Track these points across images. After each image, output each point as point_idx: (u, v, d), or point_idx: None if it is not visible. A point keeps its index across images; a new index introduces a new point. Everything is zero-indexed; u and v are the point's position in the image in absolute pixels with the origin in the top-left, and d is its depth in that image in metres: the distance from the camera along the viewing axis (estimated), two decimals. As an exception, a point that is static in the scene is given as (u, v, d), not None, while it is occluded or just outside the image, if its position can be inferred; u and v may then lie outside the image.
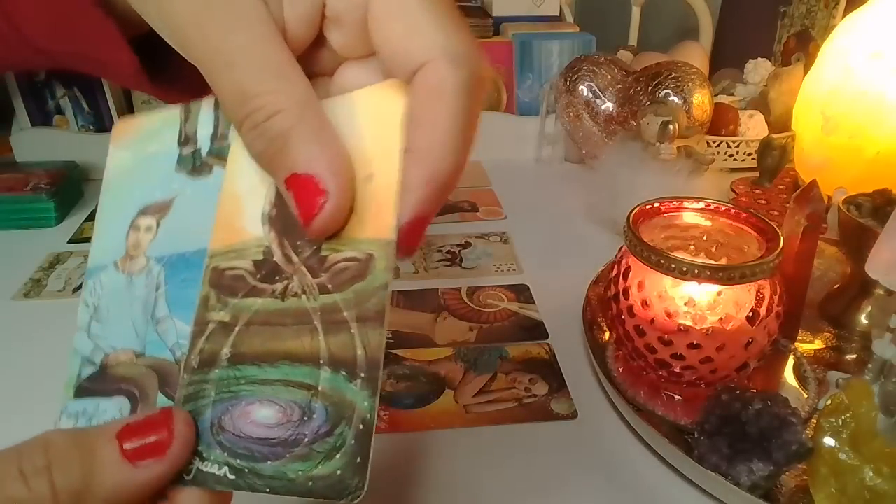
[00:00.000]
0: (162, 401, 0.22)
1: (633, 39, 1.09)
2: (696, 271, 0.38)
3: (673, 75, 0.72)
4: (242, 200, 0.23)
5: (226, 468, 0.20)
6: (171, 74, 0.27)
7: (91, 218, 0.71)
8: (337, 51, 0.23)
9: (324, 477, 0.19)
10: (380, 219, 0.20)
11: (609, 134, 0.77)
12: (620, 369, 0.44)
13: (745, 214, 0.43)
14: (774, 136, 0.71)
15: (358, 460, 0.19)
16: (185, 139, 0.24)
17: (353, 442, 0.19)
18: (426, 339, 0.51)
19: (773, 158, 0.70)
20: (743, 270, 0.37)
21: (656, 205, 0.44)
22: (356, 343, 0.20)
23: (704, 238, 0.44)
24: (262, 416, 0.20)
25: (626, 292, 0.41)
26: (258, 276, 0.22)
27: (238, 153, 0.23)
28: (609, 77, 0.77)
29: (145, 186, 0.25)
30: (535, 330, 0.52)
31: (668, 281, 0.39)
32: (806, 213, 0.43)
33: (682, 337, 0.39)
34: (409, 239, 0.20)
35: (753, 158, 0.74)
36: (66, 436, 0.20)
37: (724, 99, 0.82)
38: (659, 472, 0.39)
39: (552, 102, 0.81)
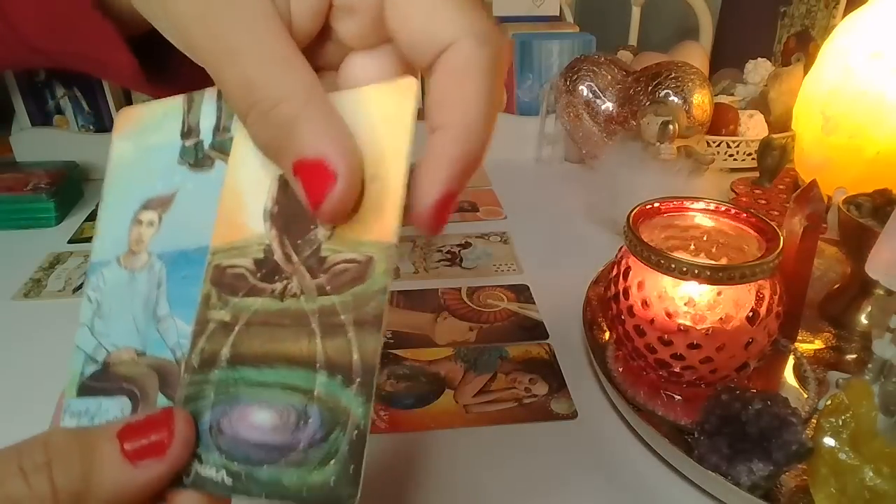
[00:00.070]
0: (162, 401, 0.22)
1: (633, 39, 1.09)
2: (696, 271, 0.38)
3: (673, 75, 0.72)
4: (244, 196, 0.22)
5: (223, 472, 0.20)
6: (169, 74, 0.27)
7: (91, 218, 0.71)
8: (345, 41, 0.23)
9: (317, 486, 0.19)
10: (382, 221, 0.20)
11: (609, 134, 0.77)
12: (620, 369, 0.44)
13: (745, 214, 0.43)
14: (774, 136, 0.71)
15: (351, 469, 0.19)
16: (188, 130, 0.24)
17: (346, 449, 0.19)
18: (426, 339, 0.51)
19: (773, 158, 0.70)
20: (743, 270, 0.37)
21: (656, 205, 0.44)
22: (352, 347, 0.19)
23: (704, 238, 0.44)
24: (259, 419, 0.20)
25: (626, 292, 0.41)
26: (258, 275, 0.22)
27: (240, 148, 0.23)
28: (609, 77, 0.77)
29: (148, 179, 0.24)
30: (535, 330, 0.52)
31: (668, 281, 0.39)
32: (806, 213, 0.43)
33: (682, 337, 0.39)
34: (439, 216, 0.20)
35: (753, 158, 0.74)
36: (66, 434, 0.20)
37: (724, 99, 0.82)
38: (659, 472, 0.39)
39: (552, 102, 0.81)
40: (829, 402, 0.35)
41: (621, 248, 0.44)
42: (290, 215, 0.21)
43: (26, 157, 0.78)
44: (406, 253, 0.63)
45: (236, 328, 0.21)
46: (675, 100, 0.71)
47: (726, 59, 1.00)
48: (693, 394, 0.42)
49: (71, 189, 0.74)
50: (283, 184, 0.22)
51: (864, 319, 0.49)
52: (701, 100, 0.72)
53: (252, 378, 0.21)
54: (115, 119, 0.26)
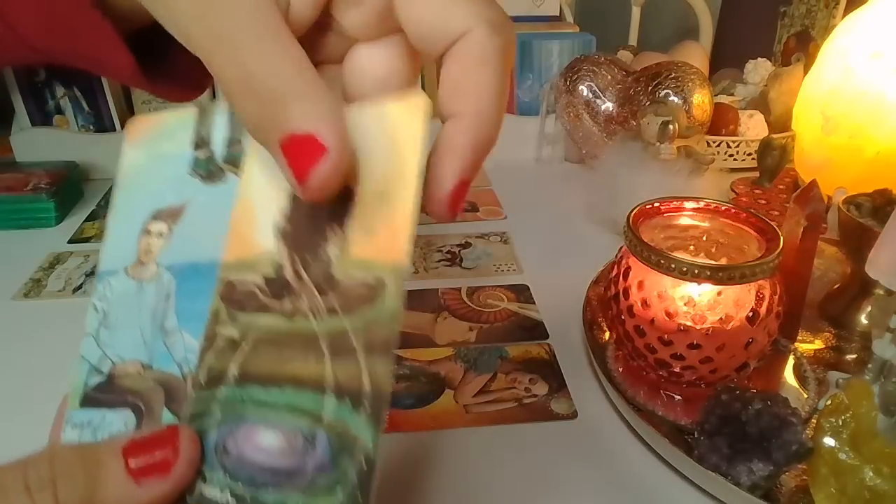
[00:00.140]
0: (168, 417, 0.22)
1: (633, 39, 1.09)
2: (696, 271, 0.38)
3: (673, 75, 0.72)
4: (256, 211, 0.22)
5: (228, 492, 0.20)
6: (169, 70, 0.27)
7: (91, 218, 0.71)
8: (350, 32, 0.23)
9: None
10: (394, 242, 0.20)
11: (609, 134, 0.77)
12: (620, 369, 0.44)
13: (745, 214, 0.43)
14: (774, 136, 0.71)
15: (359, 497, 0.18)
16: (200, 141, 0.24)
17: (354, 478, 0.19)
18: (426, 339, 0.51)
19: (773, 158, 0.70)
20: (743, 270, 0.37)
21: (656, 205, 0.44)
22: (363, 373, 0.19)
23: (704, 238, 0.44)
24: (265, 441, 0.20)
25: (626, 292, 0.41)
26: (268, 293, 0.21)
27: (253, 161, 0.22)
28: (609, 77, 0.77)
29: (158, 188, 0.24)
30: (535, 330, 0.52)
31: (668, 281, 0.39)
32: (806, 213, 0.43)
33: (682, 337, 0.39)
34: (456, 203, 0.21)
35: (753, 158, 0.74)
36: (71, 450, 0.20)
37: (724, 99, 0.82)
38: (659, 472, 0.39)
39: (552, 102, 0.81)
40: (829, 402, 0.35)
41: (621, 248, 0.44)
42: (301, 233, 0.21)
43: (26, 157, 0.78)
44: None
45: (245, 346, 0.21)
46: (675, 100, 0.71)
47: (726, 59, 1.00)
48: (693, 394, 0.42)
49: (71, 189, 0.74)
50: (295, 200, 0.21)
51: (864, 319, 0.49)
52: (701, 100, 0.72)
53: (259, 398, 0.20)
54: (127, 126, 0.25)
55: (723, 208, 0.43)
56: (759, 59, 0.85)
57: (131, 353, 0.23)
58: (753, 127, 0.78)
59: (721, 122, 0.77)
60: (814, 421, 0.38)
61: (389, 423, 0.18)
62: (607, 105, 0.77)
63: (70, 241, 0.66)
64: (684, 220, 0.44)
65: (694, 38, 1.04)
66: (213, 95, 0.82)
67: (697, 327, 0.39)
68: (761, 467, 0.34)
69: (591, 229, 0.67)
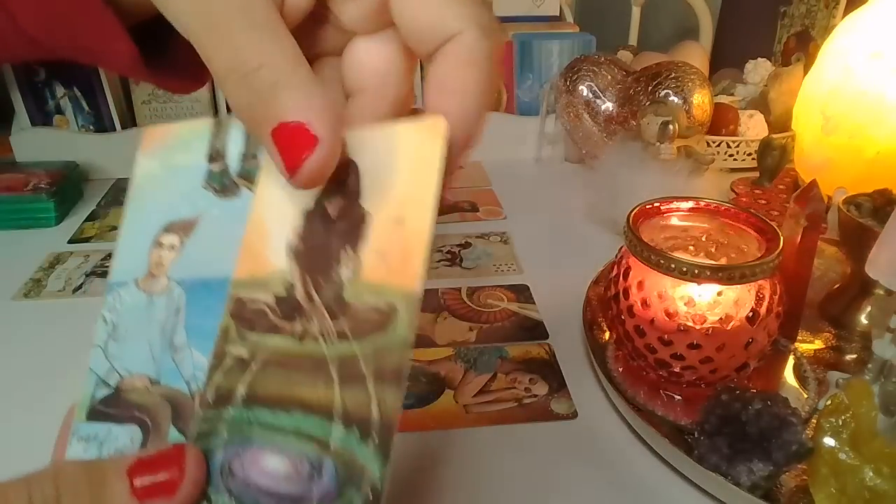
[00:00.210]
0: (174, 434, 0.22)
1: (633, 39, 1.09)
2: (696, 271, 0.38)
3: (673, 75, 0.72)
4: (269, 229, 0.22)
5: None
6: (169, 61, 0.27)
7: (91, 218, 0.71)
8: (347, 25, 0.23)
9: None
10: (407, 267, 0.19)
11: (609, 134, 0.77)
12: (620, 369, 0.44)
13: (745, 214, 0.43)
14: (774, 136, 0.71)
15: None
16: (215, 154, 0.24)
17: None
18: (426, 339, 0.51)
19: (773, 158, 0.70)
20: (743, 270, 0.37)
21: (656, 205, 0.44)
22: (372, 402, 0.19)
23: (704, 238, 0.44)
24: (271, 465, 0.20)
25: (626, 292, 0.41)
26: (279, 313, 0.21)
27: (267, 177, 0.22)
28: (609, 77, 0.77)
29: (171, 200, 0.24)
30: (535, 330, 0.52)
31: (668, 281, 0.39)
32: (806, 213, 0.43)
33: (682, 337, 0.39)
34: None
35: (753, 158, 0.74)
36: (76, 468, 0.19)
37: (724, 99, 0.82)
38: (659, 472, 0.39)
39: (552, 102, 0.81)
40: (829, 402, 0.35)
41: (621, 248, 0.44)
42: (314, 253, 0.21)
43: (26, 157, 0.78)
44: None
45: (253, 366, 0.21)
46: (675, 100, 0.71)
47: (726, 59, 1.00)
48: (693, 394, 0.42)
49: (71, 189, 0.74)
50: (309, 219, 0.21)
51: (864, 319, 0.49)
52: (701, 100, 0.72)
53: (266, 420, 0.20)
54: (142, 136, 0.25)
55: (723, 208, 0.43)
56: (759, 59, 0.85)
57: (139, 368, 0.23)
58: (753, 127, 0.78)
59: (721, 122, 0.77)
60: (814, 421, 0.38)
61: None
62: (607, 105, 0.77)
63: (70, 241, 0.66)
64: (684, 221, 0.45)
65: (694, 38, 1.04)
66: (213, 90, 0.82)
67: (697, 327, 0.39)
68: (761, 467, 0.34)
69: (591, 229, 0.67)
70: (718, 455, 0.35)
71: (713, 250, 0.44)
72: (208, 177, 0.24)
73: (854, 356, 0.47)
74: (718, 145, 0.78)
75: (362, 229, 0.20)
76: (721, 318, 0.39)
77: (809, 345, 0.48)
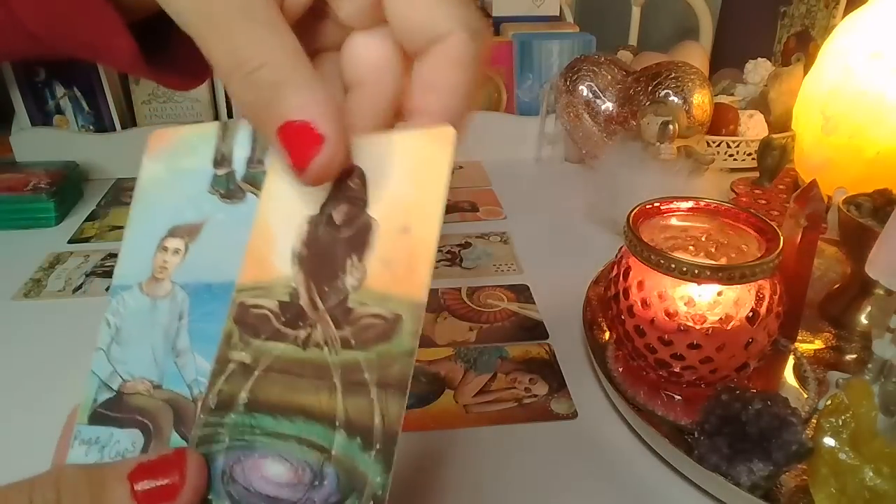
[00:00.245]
0: (175, 439, 0.22)
1: (633, 39, 1.09)
2: (696, 271, 0.38)
3: (673, 75, 0.72)
4: (274, 235, 0.22)
5: None
6: (169, 58, 0.27)
7: (91, 218, 0.71)
8: (344, 21, 0.23)
9: None
10: (412, 276, 0.19)
11: (609, 134, 0.77)
12: (620, 369, 0.44)
13: (745, 214, 0.43)
14: (774, 136, 0.71)
15: None
16: (221, 159, 0.24)
17: None
18: (426, 339, 0.51)
19: (773, 158, 0.70)
20: (743, 270, 0.37)
21: (656, 205, 0.44)
22: (374, 410, 0.19)
23: (704, 238, 0.44)
24: (273, 472, 0.20)
25: (626, 292, 0.41)
26: (282, 320, 0.21)
27: (273, 183, 0.22)
28: (609, 77, 0.77)
29: (176, 204, 0.24)
30: (535, 330, 0.52)
31: (668, 281, 0.39)
32: (806, 213, 0.43)
33: (682, 337, 0.39)
34: None
35: (753, 158, 0.74)
36: (77, 472, 0.19)
37: (724, 99, 0.82)
38: (659, 472, 0.39)
39: (552, 102, 0.81)
40: (829, 402, 0.35)
41: (621, 248, 0.44)
42: (318, 260, 0.21)
43: (26, 157, 0.78)
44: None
45: (256, 372, 0.21)
46: (675, 100, 0.71)
47: (726, 59, 1.00)
48: (693, 394, 0.42)
49: (71, 189, 0.74)
50: (314, 225, 0.21)
51: (864, 319, 0.49)
52: (701, 100, 0.72)
53: (268, 427, 0.20)
54: (149, 139, 0.25)
55: (723, 208, 0.43)
56: (759, 59, 0.85)
57: (141, 371, 0.23)
58: (753, 127, 0.78)
59: (721, 122, 0.77)
60: (814, 421, 0.38)
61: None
62: (607, 105, 0.77)
63: (70, 241, 0.66)
64: (684, 221, 0.45)
65: (694, 38, 1.04)
66: (213, 90, 0.82)
67: (697, 327, 0.39)
68: (761, 467, 0.34)
69: (591, 229, 0.67)
70: (718, 455, 0.35)
71: (713, 250, 0.44)
72: (214, 181, 0.24)
73: (854, 356, 0.47)
74: (718, 145, 0.78)
75: (368, 237, 0.20)
76: (721, 318, 0.39)
77: (809, 345, 0.48)
